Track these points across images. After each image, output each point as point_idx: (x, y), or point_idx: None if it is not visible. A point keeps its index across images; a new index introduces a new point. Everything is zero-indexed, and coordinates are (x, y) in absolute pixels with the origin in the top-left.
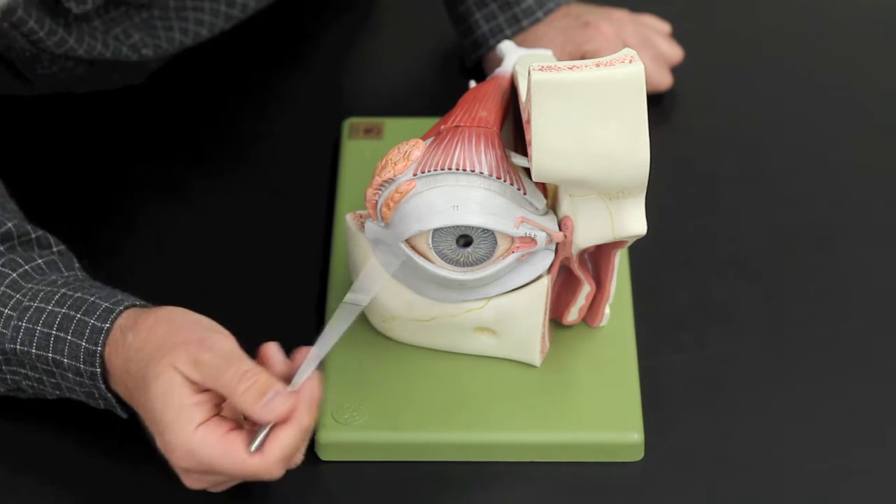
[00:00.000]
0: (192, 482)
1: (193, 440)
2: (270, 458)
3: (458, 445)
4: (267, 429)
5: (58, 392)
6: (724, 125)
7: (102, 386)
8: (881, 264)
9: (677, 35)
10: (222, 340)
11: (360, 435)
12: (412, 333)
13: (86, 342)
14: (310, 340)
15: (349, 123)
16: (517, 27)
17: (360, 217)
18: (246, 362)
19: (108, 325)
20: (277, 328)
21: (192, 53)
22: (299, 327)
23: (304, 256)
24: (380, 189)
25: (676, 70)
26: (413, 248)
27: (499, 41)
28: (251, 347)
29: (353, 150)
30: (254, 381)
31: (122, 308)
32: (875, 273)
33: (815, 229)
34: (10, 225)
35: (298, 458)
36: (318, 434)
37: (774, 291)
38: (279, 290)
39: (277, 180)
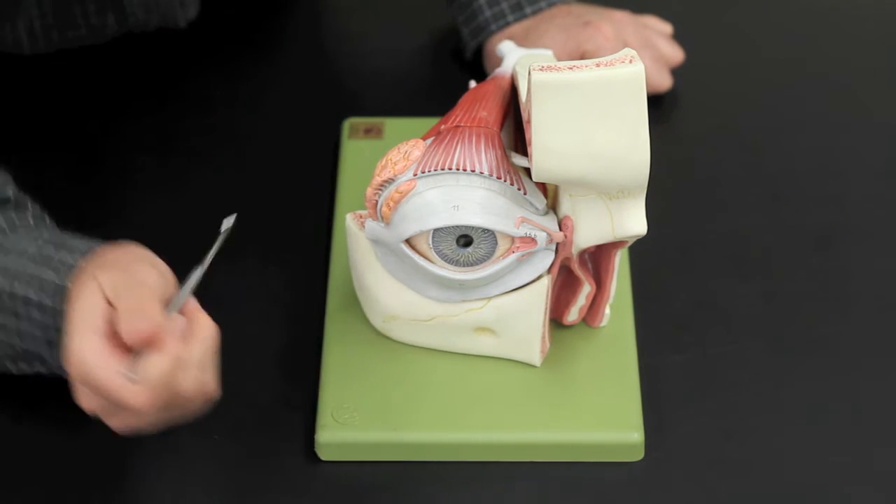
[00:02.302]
0: (83, 399)
1: (84, 346)
2: (135, 379)
3: (458, 445)
4: (140, 357)
5: (17, 342)
6: (724, 125)
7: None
8: (881, 264)
9: (677, 35)
10: (148, 270)
11: (360, 435)
12: (412, 333)
13: (56, 279)
14: (310, 341)
15: (349, 123)
16: (520, 14)
17: (360, 217)
18: (150, 290)
19: (80, 263)
20: (278, 328)
21: (192, 53)
22: (299, 327)
23: (304, 256)
24: (380, 189)
25: (677, 70)
26: (413, 248)
27: (500, 27)
28: (251, 349)
29: (353, 150)
30: (137, 301)
31: (96, 248)
32: (875, 273)
33: (815, 229)
34: None
35: (184, 392)
36: (318, 434)
37: (774, 291)
38: (279, 289)
39: (277, 180)
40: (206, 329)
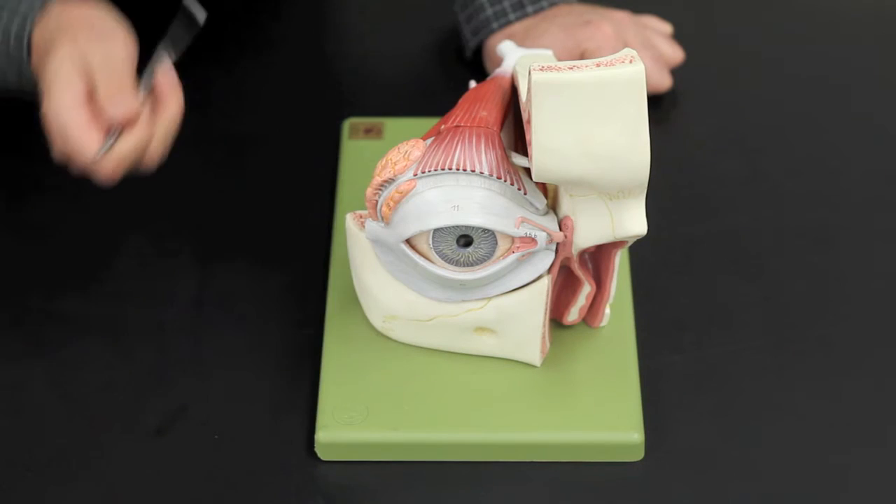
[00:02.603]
0: (56, 148)
1: (68, 116)
2: (105, 156)
3: (458, 445)
4: (117, 133)
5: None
6: (724, 125)
7: (27, 68)
8: (881, 264)
9: (677, 35)
10: (120, 42)
11: (360, 435)
12: (412, 333)
13: (16, 28)
14: (310, 340)
15: (349, 123)
16: (521, 12)
17: (360, 217)
18: (125, 69)
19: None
20: (278, 328)
21: (191, 52)
22: (299, 327)
23: (304, 256)
24: (380, 189)
25: (677, 70)
26: (413, 248)
27: (502, 25)
28: (251, 350)
29: (353, 150)
30: (117, 83)
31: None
32: (875, 273)
33: (815, 229)
34: None
35: (146, 162)
36: (318, 434)
37: (774, 291)
38: (279, 290)
39: (277, 180)
40: (173, 107)
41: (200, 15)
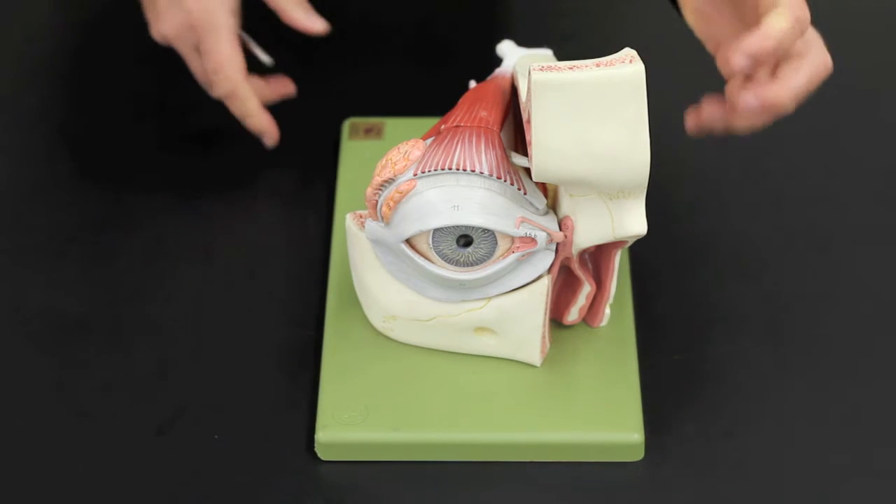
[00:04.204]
0: (168, 24)
1: (222, 8)
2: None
3: (458, 445)
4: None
5: None
6: None
7: None
8: (881, 264)
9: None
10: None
11: (360, 435)
12: (412, 333)
13: None
14: (310, 340)
15: (349, 123)
16: None
17: (360, 217)
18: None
19: None
20: (277, 328)
21: None
22: (299, 327)
23: (304, 256)
24: (380, 189)
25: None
26: (413, 248)
27: None
28: (251, 349)
29: (353, 150)
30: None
31: None
32: (875, 273)
33: (815, 229)
34: None
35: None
36: (318, 434)
37: (774, 291)
38: (279, 290)
39: (277, 180)
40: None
41: (266, 59)
